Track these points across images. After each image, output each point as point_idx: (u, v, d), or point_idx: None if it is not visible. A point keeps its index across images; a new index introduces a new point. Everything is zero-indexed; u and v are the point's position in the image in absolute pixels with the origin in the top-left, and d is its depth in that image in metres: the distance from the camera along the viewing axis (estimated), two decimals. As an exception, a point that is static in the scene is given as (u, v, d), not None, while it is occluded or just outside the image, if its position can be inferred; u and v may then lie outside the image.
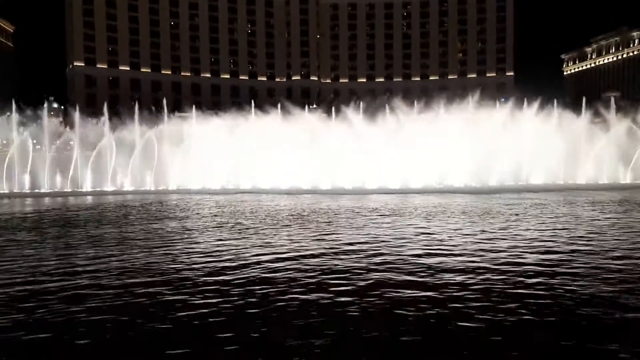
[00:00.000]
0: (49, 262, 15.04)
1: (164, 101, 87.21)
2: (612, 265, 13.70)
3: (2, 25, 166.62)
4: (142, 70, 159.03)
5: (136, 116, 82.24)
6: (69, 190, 76.79)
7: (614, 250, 16.07)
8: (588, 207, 33.81)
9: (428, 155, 70.98)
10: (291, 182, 74.42)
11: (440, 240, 18.34)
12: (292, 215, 29.96)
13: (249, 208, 36.67)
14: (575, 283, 11.68)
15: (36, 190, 76.77)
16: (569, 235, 19.46)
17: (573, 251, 15.94)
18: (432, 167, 71.73)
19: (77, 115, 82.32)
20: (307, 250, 16.55)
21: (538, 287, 11.44)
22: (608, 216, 27.21)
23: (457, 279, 12.36)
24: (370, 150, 71.64)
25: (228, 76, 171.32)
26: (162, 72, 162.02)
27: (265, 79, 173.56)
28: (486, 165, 71.82)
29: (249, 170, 77.61)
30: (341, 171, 73.69)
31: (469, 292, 11.04)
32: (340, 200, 44.63)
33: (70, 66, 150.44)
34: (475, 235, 19.66)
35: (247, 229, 22.96)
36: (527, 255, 15.32)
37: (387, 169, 72.55)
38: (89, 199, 57.18)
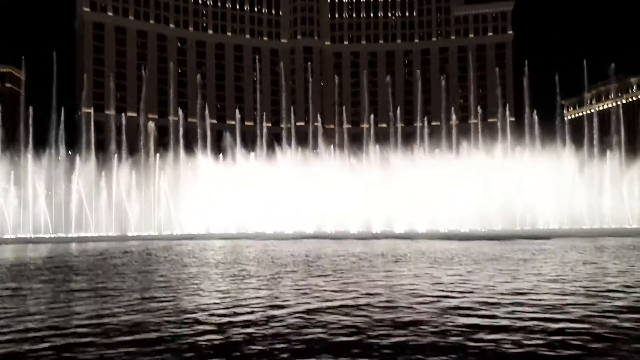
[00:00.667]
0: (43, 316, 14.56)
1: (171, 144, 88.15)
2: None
3: (14, 72, 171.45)
4: (149, 116, 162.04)
5: (142, 161, 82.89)
6: (74, 235, 76.39)
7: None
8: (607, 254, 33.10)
9: (434, 198, 70.90)
10: (295, 226, 74.00)
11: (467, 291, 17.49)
12: (298, 261, 29.39)
13: (254, 254, 36.12)
14: None
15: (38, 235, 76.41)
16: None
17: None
18: (438, 211, 71.41)
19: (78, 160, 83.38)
20: (314, 301, 15.97)
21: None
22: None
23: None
24: (377, 192, 71.72)
25: (234, 122, 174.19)
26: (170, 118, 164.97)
27: (270, 124, 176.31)
28: (493, 210, 71.48)
29: (254, 214, 77.41)
30: (346, 215, 73.40)
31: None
32: (347, 246, 44.03)
33: (79, 112, 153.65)
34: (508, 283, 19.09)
35: (250, 276, 22.42)
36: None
37: (392, 213, 72.31)
38: (91, 245, 56.73)
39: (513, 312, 13.29)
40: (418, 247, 41.21)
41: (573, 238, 54.73)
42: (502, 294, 16.34)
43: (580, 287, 17.75)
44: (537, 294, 16.41)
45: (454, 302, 14.88)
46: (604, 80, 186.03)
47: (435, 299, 15.67)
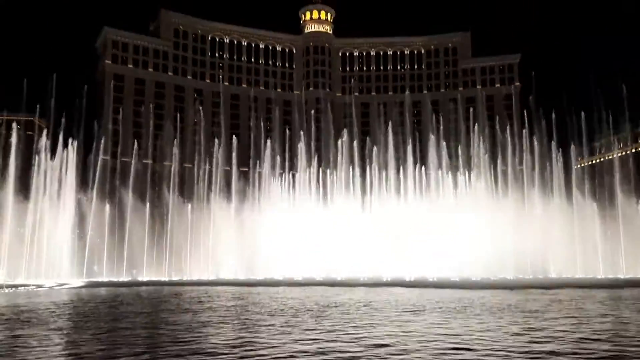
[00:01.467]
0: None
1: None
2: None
3: (39, 123, 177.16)
4: (164, 163, 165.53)
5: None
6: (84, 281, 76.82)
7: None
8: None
9: (445, 246, 70.90)
10: (304, 272, 74.03)
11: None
12: (308, 310, 29.66)
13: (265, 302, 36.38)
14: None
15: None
16: None
17: None
18: (448, 259, 71.17)
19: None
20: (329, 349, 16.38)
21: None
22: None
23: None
24: (387, 240, 72.06)
25: (247, 169, 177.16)
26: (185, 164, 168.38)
27: (281, 171, 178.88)
28: (503, 258, 71.13)
29: (263, 260, 77.85)
30: (355, 261, 73.37)
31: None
32: (356, 293, 44.03)
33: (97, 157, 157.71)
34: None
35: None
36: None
37: (402, 260, 72.22)
38: (103, 290, 57.16)
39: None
40: (431, 297, 41.14)
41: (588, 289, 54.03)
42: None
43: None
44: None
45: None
46: (614, 129, 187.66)
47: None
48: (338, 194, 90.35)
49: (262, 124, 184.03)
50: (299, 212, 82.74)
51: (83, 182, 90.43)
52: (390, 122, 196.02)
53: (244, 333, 18.23)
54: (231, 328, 19.72)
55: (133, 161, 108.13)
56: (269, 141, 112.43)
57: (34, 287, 62.26)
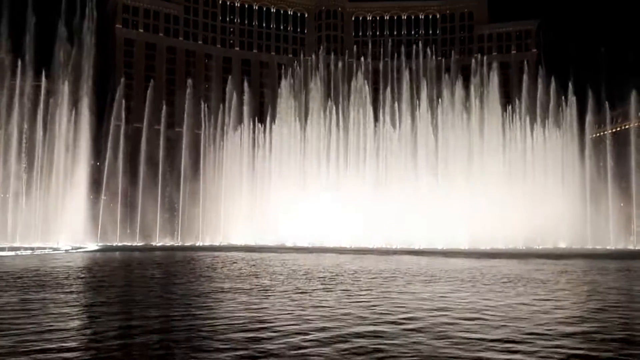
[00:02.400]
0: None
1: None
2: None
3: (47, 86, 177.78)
4: (176, 130, 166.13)
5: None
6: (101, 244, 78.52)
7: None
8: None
9: (455, 215, 70.98)
10: (313, 238, 74.93)
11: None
12: (324, 277, 30.14)
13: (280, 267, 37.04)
14: None
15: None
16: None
17: None
18: (457, 228, 71.39)
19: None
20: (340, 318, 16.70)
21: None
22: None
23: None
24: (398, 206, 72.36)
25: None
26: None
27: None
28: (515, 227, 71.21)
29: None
30: (366, 229, 73.92)
31: None
32: (366, 261, 44.58)
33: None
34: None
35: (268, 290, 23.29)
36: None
37: (414, 228, 72.61)
38: (117, 254, 58.52)
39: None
40: (442, 266, 41.54)
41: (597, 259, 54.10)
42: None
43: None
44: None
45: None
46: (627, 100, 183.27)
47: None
48: (353, 163, 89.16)
49: (273, 87, 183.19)
50: (310, 181, 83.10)
51: (96, 148, 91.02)
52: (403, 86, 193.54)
53: (254, 299, 18.63)
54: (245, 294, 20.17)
55: (145, 126, 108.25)
56: (279, 100, 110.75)
57: (50, 249, 63.86)
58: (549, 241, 78.93)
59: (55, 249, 64.87)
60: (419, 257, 52.43)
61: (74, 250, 63.79)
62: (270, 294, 19.98)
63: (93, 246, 75.36)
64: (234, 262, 41.10)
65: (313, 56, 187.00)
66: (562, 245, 79.17)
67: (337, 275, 29.09)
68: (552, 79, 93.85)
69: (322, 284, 23.77)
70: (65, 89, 78.29)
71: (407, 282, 25.17)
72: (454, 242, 71.74)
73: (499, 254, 56.85)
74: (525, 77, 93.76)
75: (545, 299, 19.12)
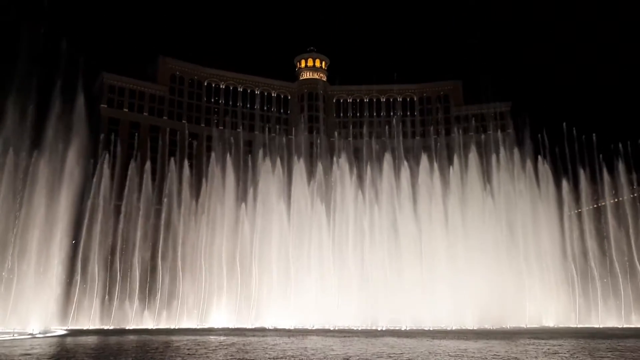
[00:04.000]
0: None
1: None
2: None
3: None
4: (156, 207, 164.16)
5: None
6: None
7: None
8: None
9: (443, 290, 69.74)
10: (296, 320, 72.13)
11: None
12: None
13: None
14: None
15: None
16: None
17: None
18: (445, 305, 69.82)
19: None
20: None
21: None
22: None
23: None
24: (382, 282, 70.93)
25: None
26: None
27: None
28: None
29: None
30: (350, 308, 71.69)
31: None
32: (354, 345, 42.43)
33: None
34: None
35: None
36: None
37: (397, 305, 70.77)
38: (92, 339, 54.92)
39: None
40: (432, 349, 39.76)
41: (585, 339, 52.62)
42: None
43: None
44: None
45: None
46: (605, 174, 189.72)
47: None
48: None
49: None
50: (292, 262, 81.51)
51: (76, 225, 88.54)
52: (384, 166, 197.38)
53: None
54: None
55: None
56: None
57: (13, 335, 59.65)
58: (535, 319, 77.71)
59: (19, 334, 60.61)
60: (409, 339, 50.28)
61: (42, 336, 59.65)
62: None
63: (60, 331, 70.97)
64: (216, 349, 38.62)
65: (294, 135, 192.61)
66: (550, 324, 77.90)
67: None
68: (527, 161, 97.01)
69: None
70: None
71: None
72: (441, 322, 69.80)
73: (489, 333, 55.00)
74: (501, 159, 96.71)
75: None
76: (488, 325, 70.12)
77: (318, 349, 36.46)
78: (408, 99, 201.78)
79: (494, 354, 31.64)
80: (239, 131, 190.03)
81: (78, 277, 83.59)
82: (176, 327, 79.34)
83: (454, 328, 67.53)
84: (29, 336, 58.52)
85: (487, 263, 74.63)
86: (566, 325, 77.52)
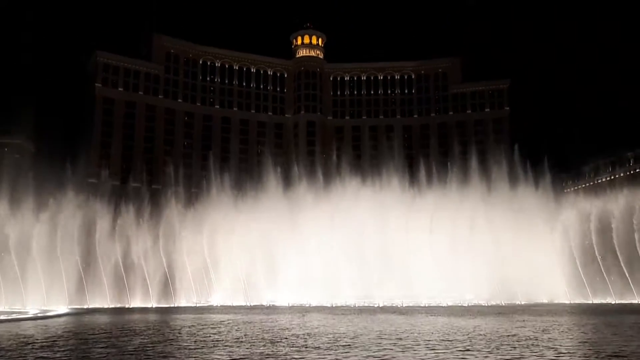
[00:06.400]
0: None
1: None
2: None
3: (27, 145, 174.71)
4: (152, 186, 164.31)
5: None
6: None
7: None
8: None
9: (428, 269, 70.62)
10: (295, 297, 72.99)
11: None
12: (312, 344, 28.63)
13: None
14: None
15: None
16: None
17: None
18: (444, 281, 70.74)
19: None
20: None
21: None
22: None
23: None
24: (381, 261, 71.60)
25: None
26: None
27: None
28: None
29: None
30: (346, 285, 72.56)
31: None
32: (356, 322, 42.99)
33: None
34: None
35: None
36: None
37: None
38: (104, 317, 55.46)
39: None
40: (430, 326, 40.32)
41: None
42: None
43: None
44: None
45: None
46: (602, 153, 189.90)
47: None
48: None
49: (252, 146, 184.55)
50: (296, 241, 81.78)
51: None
52: (378, 147, 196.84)
53: None
54: None
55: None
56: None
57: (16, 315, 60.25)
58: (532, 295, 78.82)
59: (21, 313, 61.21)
60: (409, 316, 50.99)
61: (42, 315, 60.22)
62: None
63: (63, 309, 71.67)
64: (237, 329, 39.07)
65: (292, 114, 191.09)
66: (544, 300, 79.18)
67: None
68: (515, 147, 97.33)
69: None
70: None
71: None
72: (435, 300, 70.89)
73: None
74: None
75: None
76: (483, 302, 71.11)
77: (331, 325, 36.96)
78: (406, 77, 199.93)
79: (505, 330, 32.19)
80: (235, 110, 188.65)
81: (77, 256, 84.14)
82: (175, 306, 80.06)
83: (450, 304, 68.47)
84: (31, 316, 59.01)
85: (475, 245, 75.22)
86: (559, 302, 78.60)
